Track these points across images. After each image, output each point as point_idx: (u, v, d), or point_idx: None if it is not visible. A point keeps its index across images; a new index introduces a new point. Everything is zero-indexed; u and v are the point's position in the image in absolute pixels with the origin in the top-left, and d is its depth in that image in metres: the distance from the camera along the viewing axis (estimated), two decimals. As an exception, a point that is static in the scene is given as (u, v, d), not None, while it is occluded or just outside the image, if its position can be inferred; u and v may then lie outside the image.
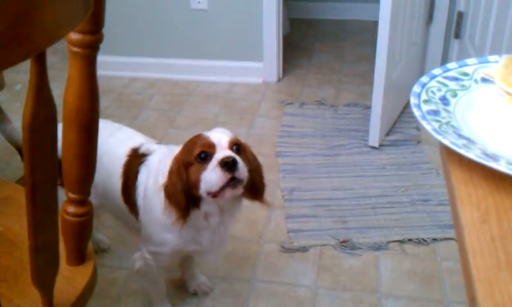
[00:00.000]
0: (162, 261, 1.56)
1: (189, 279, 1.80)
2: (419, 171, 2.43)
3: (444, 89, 0.74)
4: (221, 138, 1.35)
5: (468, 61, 0.81)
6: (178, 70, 3.36)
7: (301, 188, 2.31)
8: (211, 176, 1.30)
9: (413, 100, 0.69)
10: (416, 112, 0.66)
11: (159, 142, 1.65)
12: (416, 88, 0.72)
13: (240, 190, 1.33)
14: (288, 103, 3.04)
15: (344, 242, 2.02)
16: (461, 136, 0.63)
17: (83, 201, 1.03)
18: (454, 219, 0.54)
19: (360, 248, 2.00)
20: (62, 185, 0.89)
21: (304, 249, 1.99)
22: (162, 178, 1.41)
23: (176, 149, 1.44)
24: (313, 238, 2.04)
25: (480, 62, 0.81)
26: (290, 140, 2.68)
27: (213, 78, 3.31)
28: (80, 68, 0.91)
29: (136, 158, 1.54)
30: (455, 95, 0.73)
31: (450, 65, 0.79)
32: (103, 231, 2.03)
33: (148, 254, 1.54)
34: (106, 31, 0.90)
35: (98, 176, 1.54)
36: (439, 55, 3.11)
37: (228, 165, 1.29)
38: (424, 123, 0.64)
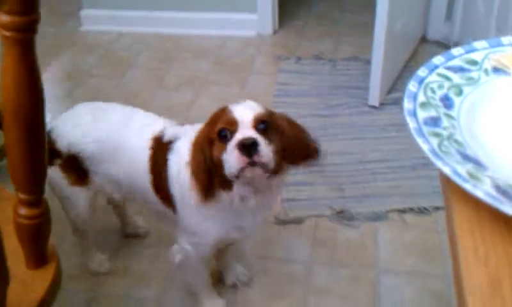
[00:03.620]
0: (203, 251, 1.42)
1: (226, 270, 1.67)
2: (422, 132, 2.28)
3: (447, 84, 0.60)
4: (245, 114, 1.19)
5: (477, 44, 0.66)
6: (168, 23, 3.17)
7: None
8: (229, 158, 1.16)
9: (407, 105, 0.55)
10: (411, 124, 0.52)
11: (180, 124, 1.46)
12: (411, 86, 0.58)
13: (261, 171, 1.17)
14: (284, 59, 2.87)
15: (340, 212, 1.91)
16: (466, 157, 0.49)
17: (36, 202, 0.92)
18: (456, 284, 0.42)
19: (357, 219, 1.89)
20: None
21: (298, 221, 1.89)
22: None
23: None
24: (308, 208, 1.93)
25: (492, 46, 0.66)
26: (286, 100, 2.53)
27: (204, 32, 3.13)
28: (16, 55, 0.77)
29: (161, 147, 1.37)
30: (460, 93, 0.59)
31: (455, 51, 0.65)
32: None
33: (189, 246, 1.40)
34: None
35: (119, 170, 1.43)
36: (444, 5, 2.91)
37: (246, 148, 1.14)
38: (420, 141, 0.50)
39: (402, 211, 1.91)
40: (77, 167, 1.46)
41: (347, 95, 2.54)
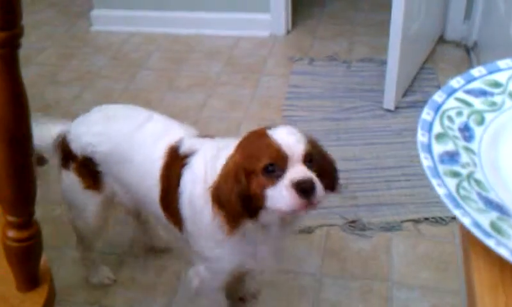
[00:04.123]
0: (221, 280, 1.34)
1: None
2: (438, 137, 2.20)
3: (467, 111, 0.53)
4: (294, 148, 1.09)
5: (501, 63, 0.59)
6: (179, 23, 3.12)
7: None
8: (282, 197, 1.06)
9: (421, 137, 0.49)
10: (425, 162, 0.46)
11: (199, 134, 1.37)
12: (426, 114, 0.51)
13: (313, 209, 1.10)
14: (297, 60, 2.80)
15: (352, 222, 1.84)
16: (489, 203, 0.43)
17: (25, 224, 0.87)
18: None
19: (370, 229, 1.82)
20: None
21: (309, 231, 1.82)
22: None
23: (225, 145, 1.20)
24: (319, 217, 1.86)
25: (518, 65, 0.59)
26: (298, 102, 2.46)
27: (216, 32, 3.07)
28: (-1, 71, 0.72)
29: (176, 160, 1.28)
30: (481, 121, 0.52)
31: (475, 71, 0.58)
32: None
33: (206, 272, 1.32)
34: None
35: (130, 176, 1.37)
36: (463, 5, 2.81)
37: (305, 191, 1.05)
38: (434, 182, 0.43)
39: (417, 221, 1.84)
40: (91, 171, 1.42)
41: (362, 98, 2.47)
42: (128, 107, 1.50)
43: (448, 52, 2.81)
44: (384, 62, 2.48)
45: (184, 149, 1.29)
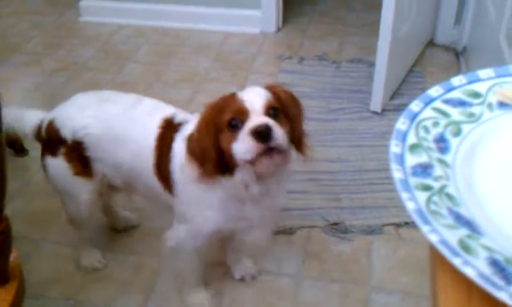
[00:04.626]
0: (200, 241, 1.38)
1: (234, 264, 1.65)
2: (424, 142, 2.20)
3: (443, 122, 0.52)
4: (255, 101, 1.16)
5: (481, 73, 0.58)
6: (169, 17, 3.09)
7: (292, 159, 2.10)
8: (243, 147, 1.13)
9: (394, 148, 0.47)
10: (396, 174, 0.44)
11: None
12: (401, 123, 0.50)
13: (279, 159, 1.15)
14: (286, 58, 2.78)
15: (334, 224, 1.83)
16: (459, 219, 0.41)
17: (-5, 218, 0.84)
18: None
19: (352, 231, 1.81)
20: None
21: (290, 231, 1.81)
22: None
23: None
24: (301, 218, 1.85)
25: (499, 76, 0.58)
26: (285, 101, 2.44)
27: (206, 27, 3.05)
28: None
29: (170, 129, 1.35)
30: (458, 132, 0.51)
31: (455, 80, 0.57)
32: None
33: (185, 233, 1.37)
34: None
35: (123, 155, 1.38)
36: (454, 9, 2.81)
37: (261, 134, 1.11)
38: (405, 196, 0.42)
39: (398, 225, 1.83)
40: (81, 157, 1.42)
41: (349, 99, 2.46)
42: (115, 92, 1.51)
43: (438, 55, 2.81)
44: (373, 64, 2.46)
45: (178, 119, 1.36)
